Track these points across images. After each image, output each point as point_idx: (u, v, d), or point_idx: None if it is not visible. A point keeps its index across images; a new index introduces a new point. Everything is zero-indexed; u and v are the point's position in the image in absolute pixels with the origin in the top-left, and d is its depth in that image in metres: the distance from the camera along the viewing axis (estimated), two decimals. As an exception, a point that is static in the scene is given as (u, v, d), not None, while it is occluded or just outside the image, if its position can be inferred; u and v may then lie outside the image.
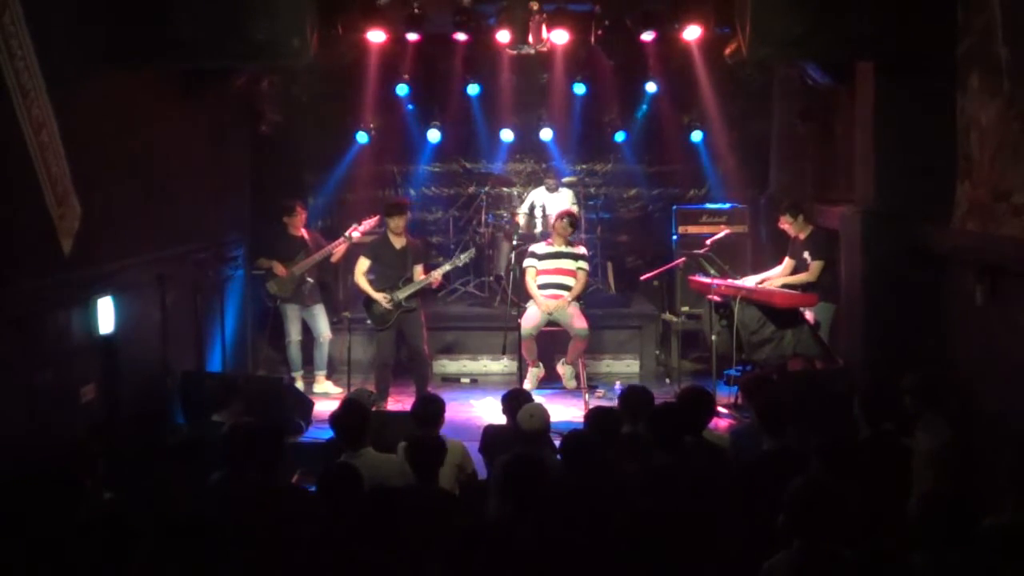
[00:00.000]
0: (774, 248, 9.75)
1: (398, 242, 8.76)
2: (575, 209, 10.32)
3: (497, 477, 4.50)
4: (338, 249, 9.24)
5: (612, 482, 4.80)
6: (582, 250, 9.49)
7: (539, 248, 9.42)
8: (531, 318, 9.05)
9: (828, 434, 5.00)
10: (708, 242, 9.28)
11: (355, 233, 9.17)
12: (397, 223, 8.73)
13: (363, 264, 8.72)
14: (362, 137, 10.85)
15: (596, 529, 4.09)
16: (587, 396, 8.95)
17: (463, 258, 9.23)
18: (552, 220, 10.25)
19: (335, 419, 5.60)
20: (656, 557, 3.86)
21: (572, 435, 5.10)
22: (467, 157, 11.84)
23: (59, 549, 3.98)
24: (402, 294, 8.63)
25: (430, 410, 5.92)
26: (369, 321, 8.76)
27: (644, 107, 11.19)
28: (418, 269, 8.78)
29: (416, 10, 9.28)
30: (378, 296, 8.61)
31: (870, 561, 3.75)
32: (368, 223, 9.25)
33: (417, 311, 8.82)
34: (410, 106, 11.21)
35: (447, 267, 9.01)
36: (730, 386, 8.69)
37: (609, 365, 10.23)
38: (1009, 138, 6.30)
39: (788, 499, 3.80)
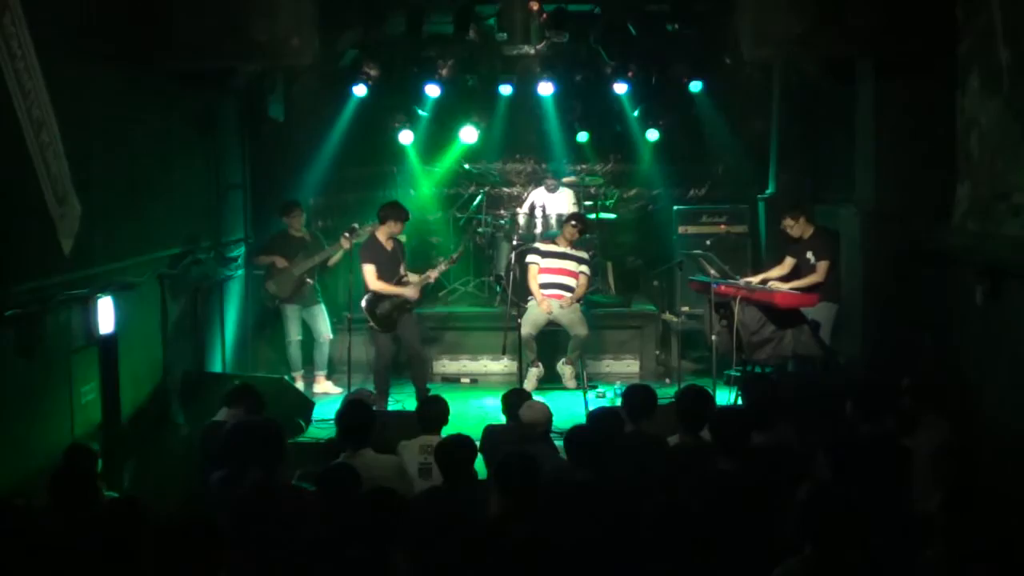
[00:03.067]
0: (774, 248, 9.75)
1: (388, 244, 8.76)
2: (582, 213, 10.31)
3: (493, 475, 4.51)
4: (336, 254, 9.21)
5: (620, 481, 4.81)
6: (585, 254, 9.51)
7: (543, 246, 9.43)
8: (531, 318, 9.06)
9: (829, 435, 5.00)
10: (708, 242, 9.29)
11: (354, 236, 9.13)
12: (400, 228, 8.72)
13: (373, 269, 8.66)
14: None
15: (605, 529, 4.08)
16: (587, 396, 8.94)
17: (454, 255, 9.23)
18: (552, 220, 10.29)
19: (340, 417, 5.61)
20: (668, 558, 3.85)
21: (576, 431, 5.10)
22: (467, 157, 11.83)
23: (60, 549, 3.98)
24: None
25: (435, 411, 5.93)
26: (372, 323, 8.75)
27: (644, 107, 11.18)
28: (403, 266, 8.81)
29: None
30: (407, 291, 8.59)
31: (880, 563, 3.74)
32: (368, 226, 9.22)
33: (412, 310, 8.84)
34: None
35: (443, 266, 9.00)
36: (730, 386, 8.69)
37: (609, 365, 10.22)
38: (1009, 138, 6.30)
39: (799, 505, 3.79)
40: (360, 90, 10.09)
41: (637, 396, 5.97)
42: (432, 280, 9.01)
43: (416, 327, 8.90)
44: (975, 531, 3.70)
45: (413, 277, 8.75)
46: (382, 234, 8.71)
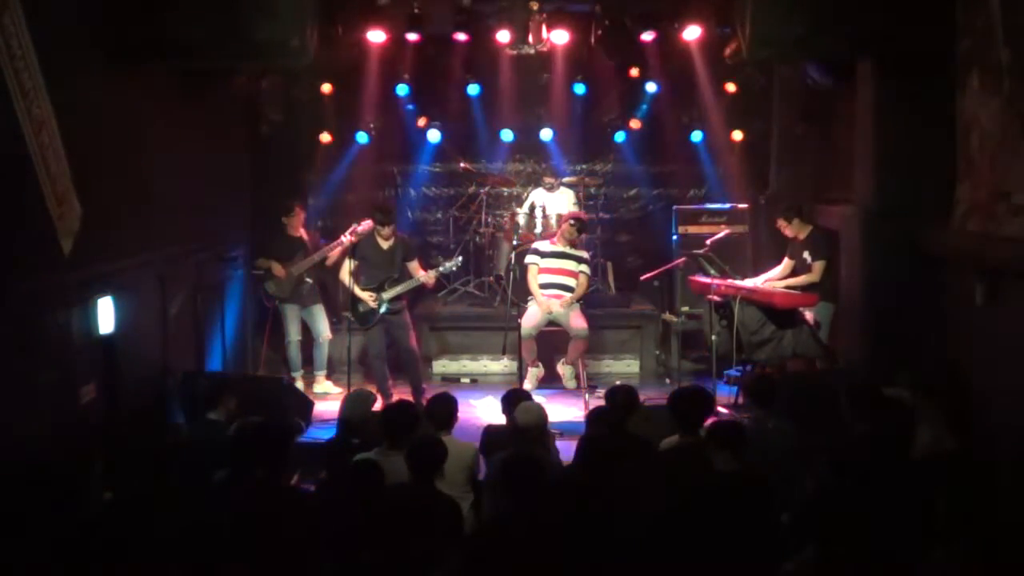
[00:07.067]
0: (774, 248, 9.76)
1: (385, 243, 8.75)
2: (583, 212, 10.31)
3: (495, 476, 4.50)
4: (335, 252, 9.21)
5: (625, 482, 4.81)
6: (585, 254, 9.51)
7: (542, 246, 9.43)
8: (531, 318, 9.05)
9: (829, 435, 5.01)
10: (708, 242, 9.28)
11: (353, 236, 9.13)
12: (387, 231, 8.72)
13: (349, 263, 8.70)
14: (362, 137, 10.85)
15: (603, 528, 4.09)
16: (587, 396, 8.94)
17: (449, 266, 9.25)
18: (552, 220, 10.29)
19: (386, 416, 5.62)
20: (667, 558, 3.86)
21: (586, 439, 5.10)
22: (467, 157, 11.83)
23: (59, 549, 3.98)
24: (388, 294, 8.63)
25: (444, 409, 5.93)
26: (353, 318, 8.79)
27: (644, 107, 11.17)
28: (413, 265, 8.78)
29: (416, 10, 9.29)
30: (364, 295, 8.62)
31: (883, 562, 3.74)
32: (366, 225, 9.22)
33: (402, 312, 8.82)
34: (410, 106, 11.20)
35: (433, 274, 8.99)
36: (730, 386, 8.69)
37: (609, 365, 10.23)
38: (1009, 138, 6.30)
39: (799, 505, 3.79)
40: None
41: (621, 396, 6.01)
42: (428, 285, 9.04)
43: (407, 327, 8.90)
44: (976, 532, 3.70)
45: (413, 277, 8.75)
46: (377, 234, 8.74)
